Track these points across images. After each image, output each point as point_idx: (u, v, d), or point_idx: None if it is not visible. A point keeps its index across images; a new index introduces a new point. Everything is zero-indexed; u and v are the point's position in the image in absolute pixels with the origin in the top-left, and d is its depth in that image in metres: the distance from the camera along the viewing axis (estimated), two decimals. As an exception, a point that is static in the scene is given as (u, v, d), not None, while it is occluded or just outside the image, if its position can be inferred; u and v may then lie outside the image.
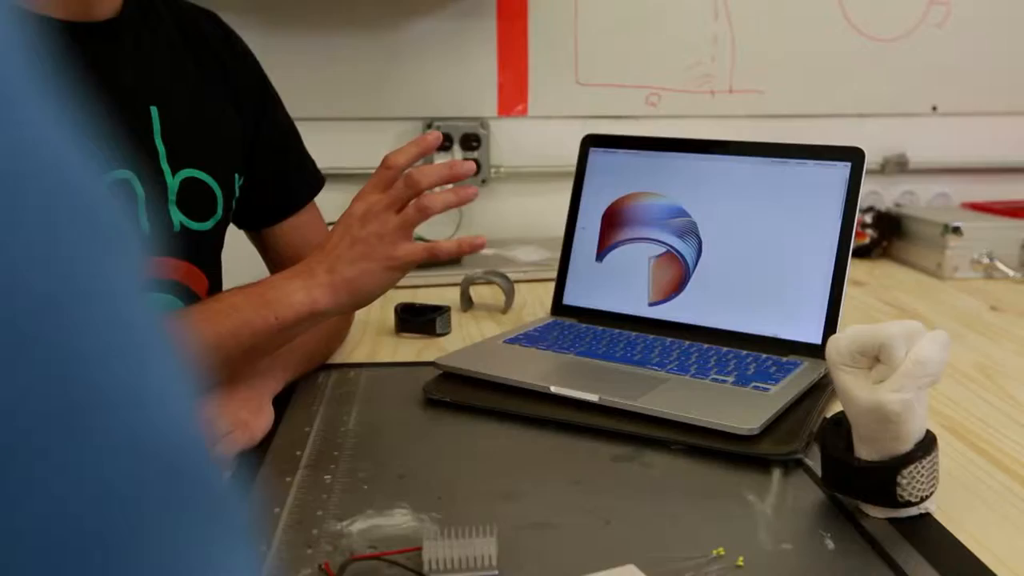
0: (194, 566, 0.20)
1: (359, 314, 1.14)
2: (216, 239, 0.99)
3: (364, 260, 0.84)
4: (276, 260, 1.09)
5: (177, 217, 0.92)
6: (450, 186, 0.89)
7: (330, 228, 1.08)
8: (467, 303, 1.28)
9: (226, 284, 1.06)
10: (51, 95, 0.20)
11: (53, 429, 0.18)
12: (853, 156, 1.00)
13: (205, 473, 0.22)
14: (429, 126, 1.71)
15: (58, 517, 0.18)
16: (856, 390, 0.67)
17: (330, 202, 1.12)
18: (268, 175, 1.04)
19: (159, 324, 0.22)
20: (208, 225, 0.96)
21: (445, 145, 1.71)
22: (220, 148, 0.98)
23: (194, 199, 0.94)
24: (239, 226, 1.07)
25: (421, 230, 0.92)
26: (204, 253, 0.97)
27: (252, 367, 0.88)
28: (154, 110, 0.90)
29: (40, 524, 0.17)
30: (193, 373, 0.22)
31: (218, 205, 0.97)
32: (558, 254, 1.16)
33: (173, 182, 0.91)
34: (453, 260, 1.46)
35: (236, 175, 1.00)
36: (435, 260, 0.87)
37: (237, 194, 1.01)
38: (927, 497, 0.67)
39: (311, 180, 1.10)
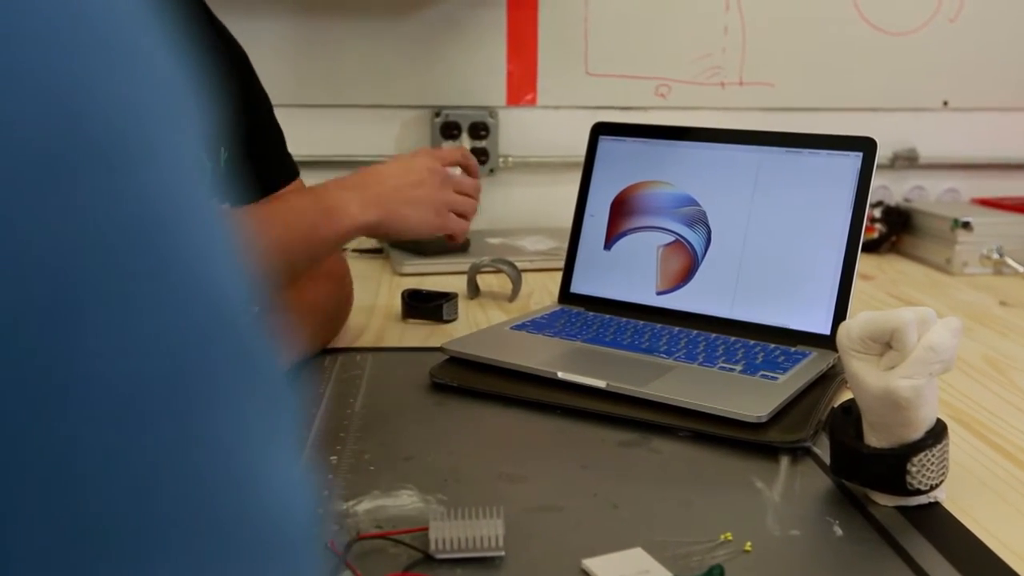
0: (247, 447, 0.20)
1: (365, 299, 1.14)
2: None
3: (420, 188, 0.97)
4: None
5: None
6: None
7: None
8: (474, 291, 1.27)
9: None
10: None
11: (118, 271, 0.17)
12: (865, 146, 0.99)
13: (272, 367, 0.21)
14: (438, 115, 1.71)
15: (117, 368, 0.17)
16: (867, 376, 0.66)
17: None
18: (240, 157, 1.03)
19: (221, 211, 0.21)
20: None
21: (453, 133, 1.71)
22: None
23: None
24: None
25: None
26: None
27: None
28: None
29: (101, 372, 0.17)
30: (257, 285, 0.22)
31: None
32: (566, 244, 1.16)
33: None
34: (462, 247, 1.45)
35: (221, 148, 0.98)
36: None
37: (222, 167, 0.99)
38: (937, 486, 0.67)
39: (281, 170, 1.08)
